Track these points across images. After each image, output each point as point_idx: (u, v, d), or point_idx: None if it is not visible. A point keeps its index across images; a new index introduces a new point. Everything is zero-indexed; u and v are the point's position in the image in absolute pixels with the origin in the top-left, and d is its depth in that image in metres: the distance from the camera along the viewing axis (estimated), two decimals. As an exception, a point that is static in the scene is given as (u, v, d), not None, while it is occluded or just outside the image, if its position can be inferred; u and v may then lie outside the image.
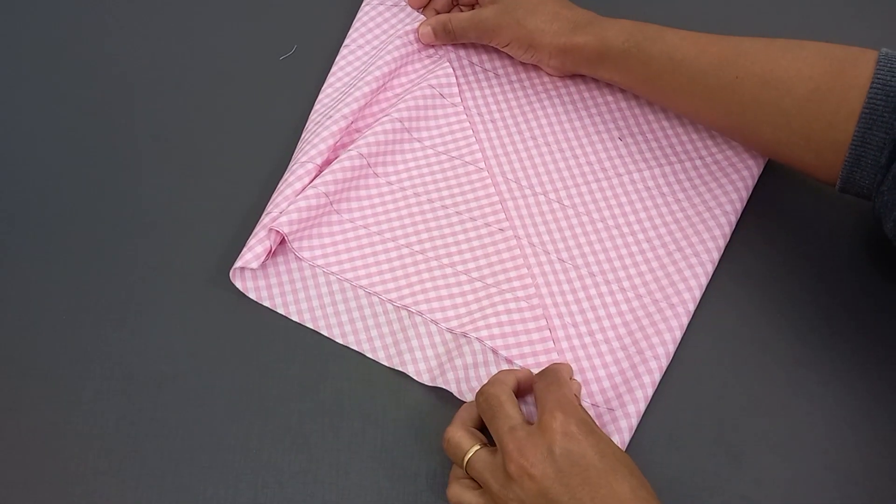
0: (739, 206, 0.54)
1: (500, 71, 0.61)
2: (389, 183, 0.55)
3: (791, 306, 0.51)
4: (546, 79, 0.60)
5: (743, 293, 0.52)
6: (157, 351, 0.50)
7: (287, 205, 0.51)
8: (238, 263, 0.50)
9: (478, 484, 0.42)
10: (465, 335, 0.49)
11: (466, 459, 0.42)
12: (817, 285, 0.52)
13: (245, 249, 0.50)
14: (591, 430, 0.41)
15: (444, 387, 0.48)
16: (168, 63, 0.62)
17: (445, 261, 0.52)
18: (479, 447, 0.43)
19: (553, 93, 0.60)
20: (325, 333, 0.50)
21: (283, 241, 0.52)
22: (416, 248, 0.53)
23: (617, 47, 0.53)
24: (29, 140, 0.58)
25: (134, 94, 0.60)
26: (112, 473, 0.46)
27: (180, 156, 0.58)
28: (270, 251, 0.51)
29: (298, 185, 0.52)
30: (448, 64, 0.60)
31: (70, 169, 0.57)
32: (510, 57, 0.60)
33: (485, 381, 0.46)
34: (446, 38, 0.59)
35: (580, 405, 0.43)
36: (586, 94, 0.59)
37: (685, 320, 0.50)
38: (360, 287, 0.51)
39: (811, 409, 0.48)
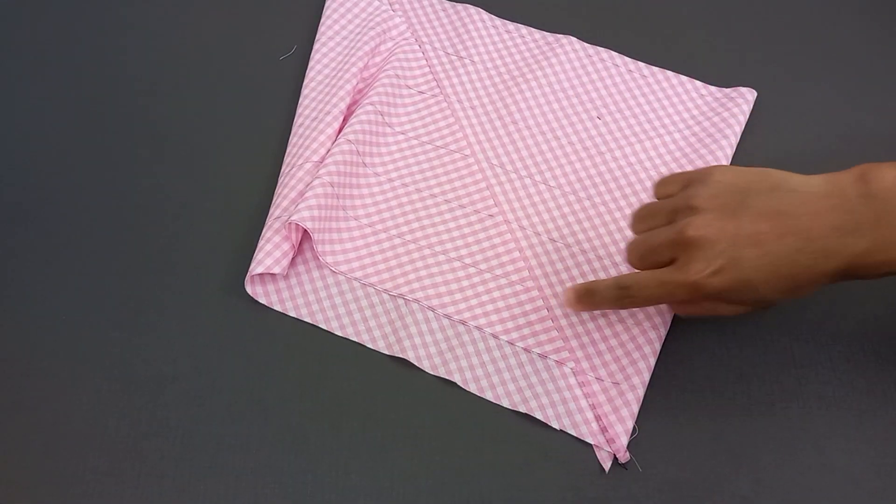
0: None
1: (476, 58, 0.61)
2: (377, 174, 0.56)
3: (791, 306, 0.51)
4: (522, 63, 0.61)
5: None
6: (157, 351, 0.50)
7: (295, 206, 0.51)
8: (258, 269, 0.50)
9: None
10: (463, 323, 0.50)
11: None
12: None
13: (262, 255, 0.50)
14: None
15: (446, 377, 0.48)
16: (168, 63, 0.62)
17: (438, 248, 0.53)
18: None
19: (529, 76, 0.60)
20: (323, 327, 0.51)
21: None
22: (408, 237, 0.54)
23: None
24: (29, 140, 0.58)
25: (133, 94, 0.60)
26: (112, 473, 0.46)
27: (180, 156, 0.58)
28: (294, 249, 0.51)
29: (301, 187, 0.53)
30: (418, 49, 0.61)
31: (69, 169, 0.57)
32: (483, 43, 0.62)
33: (489, 368, 0.48)
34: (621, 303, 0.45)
35: None
36: (562, 76, 0.61)
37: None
38: (355, 279, 0.52)
39: (811, 409, 0.48)
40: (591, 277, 0.52)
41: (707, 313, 0.43)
